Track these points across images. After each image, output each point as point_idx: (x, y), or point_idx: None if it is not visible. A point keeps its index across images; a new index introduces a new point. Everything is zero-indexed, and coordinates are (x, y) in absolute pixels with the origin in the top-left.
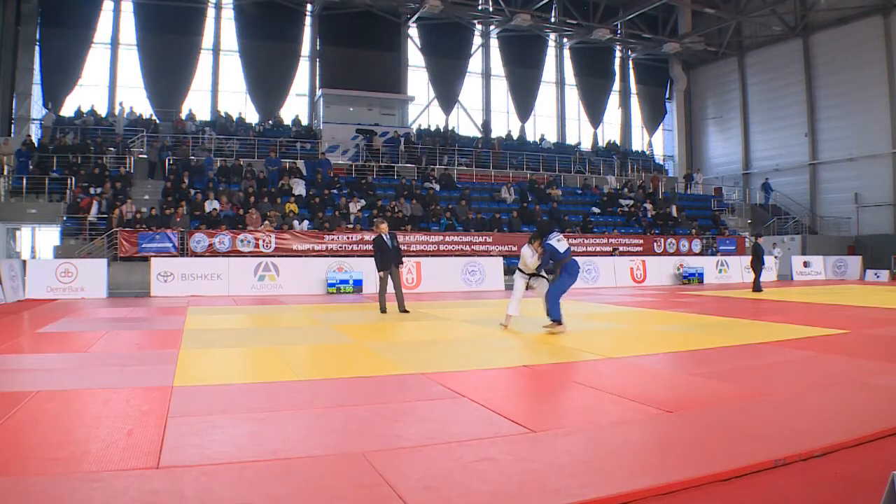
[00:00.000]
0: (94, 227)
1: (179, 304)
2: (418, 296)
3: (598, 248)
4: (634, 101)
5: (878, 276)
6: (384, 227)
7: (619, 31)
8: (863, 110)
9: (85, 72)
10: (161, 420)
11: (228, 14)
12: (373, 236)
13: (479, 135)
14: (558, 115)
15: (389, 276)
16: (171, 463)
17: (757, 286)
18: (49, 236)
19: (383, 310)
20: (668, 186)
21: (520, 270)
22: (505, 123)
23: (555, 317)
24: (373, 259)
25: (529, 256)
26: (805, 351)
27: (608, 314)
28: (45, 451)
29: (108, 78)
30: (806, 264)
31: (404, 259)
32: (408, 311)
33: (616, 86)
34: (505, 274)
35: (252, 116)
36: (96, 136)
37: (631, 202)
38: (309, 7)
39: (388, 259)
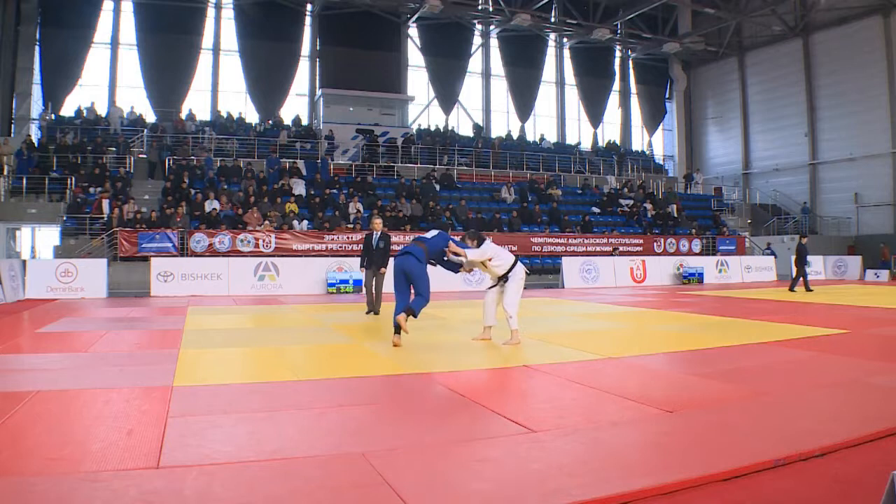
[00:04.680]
0: (94, 226)
1: (179, 304)
2: None
3: (598, 248)
4: (634, 101)
5: (878, 276)
6: (377, 223)
7: (618, 31)
8: (863, 110)
9: (85, 72)
10: (161, 420)
11: (228, 14)
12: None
13: (473, 136)
14: (558, 115)
15: (374, 277)
16: (171, 463)
17: (794, 284)
18: (49, 236)
19: (372, 311)
20: (668, 186)
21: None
22: (505, 123)
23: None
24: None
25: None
26: (805, 351)
27: (608, 314)
28: (45, 451)
29: (108, 78)
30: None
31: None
32: (377, 314)
33: (616, 86)
34: None
35: (252, 116)
36: (96, 136)
37: (631, 202)
38: (309, 7)
39: (370, 259)
